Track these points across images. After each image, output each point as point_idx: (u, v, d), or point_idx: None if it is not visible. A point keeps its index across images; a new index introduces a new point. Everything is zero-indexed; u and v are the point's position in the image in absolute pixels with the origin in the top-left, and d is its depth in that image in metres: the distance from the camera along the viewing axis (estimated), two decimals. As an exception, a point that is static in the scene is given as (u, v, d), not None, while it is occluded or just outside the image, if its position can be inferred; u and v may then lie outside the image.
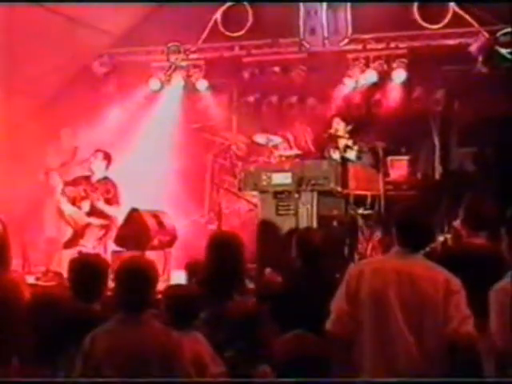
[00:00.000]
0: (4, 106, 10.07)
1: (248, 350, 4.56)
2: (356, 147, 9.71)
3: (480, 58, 9.72)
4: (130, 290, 4.35)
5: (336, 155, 9.60)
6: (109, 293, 5.08)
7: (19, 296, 5.15)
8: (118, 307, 4.41)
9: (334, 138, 9.76)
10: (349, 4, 10.56)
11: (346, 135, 9.78)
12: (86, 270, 5.08)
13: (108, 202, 9.21)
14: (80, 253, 8.13)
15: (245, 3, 11.04)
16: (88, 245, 9.04)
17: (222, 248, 5.63)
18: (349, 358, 4.24)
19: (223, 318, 5.06)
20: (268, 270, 7.74)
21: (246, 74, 11.06)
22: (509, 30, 9.69)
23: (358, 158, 9.67)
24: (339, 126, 9.86)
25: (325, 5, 10.67)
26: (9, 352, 4.73)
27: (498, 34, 9.75)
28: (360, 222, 8.94)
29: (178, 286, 5.66)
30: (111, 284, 4.85)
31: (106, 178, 9.38)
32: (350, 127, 9.84)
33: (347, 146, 9.65)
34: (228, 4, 11.12)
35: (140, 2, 10.96)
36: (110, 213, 9.22)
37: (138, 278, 4.36)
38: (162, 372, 4.21)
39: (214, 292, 5.31)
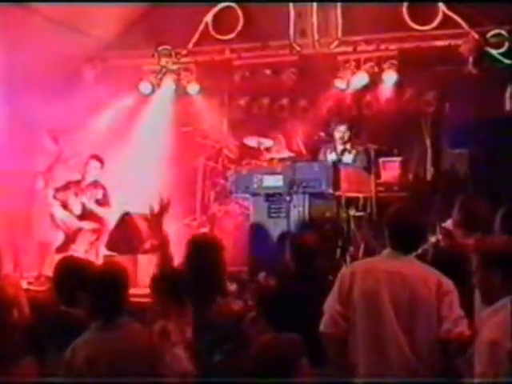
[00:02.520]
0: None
1: (235, 352, 4.55)
2: (354, 151, 9.71)
3: (470, 59, 9.73)
4: (101, 297, 4.37)
5: (332, 157, 9.63)
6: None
7: (12, 300, 5.14)
8: (95, 315, 4.41)
9: (333, 142, 9.79)
10: (339, 5, 10.55)
11: (346, 139, 9.79)
12: (69, 274, 5.05)
13: (98, 203, 9.21)
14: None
15: (234, 5, 11.02)
16: (80, 249, 9.02)
17: (200, 252, 5.61)
18: (344, 359, 4.25)
19: (209, 322, 5.06)
20: (262, 274, 7.72)
21: (236, 77, 11.03)
22: (499, 31, 9.72)
23: (354, 161, 9.68)
24: (343, 134, 9.82)
25: (315, 6, 10.67)
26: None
27: (488, 34, 9.77)
28: (352, 223, 8.94)
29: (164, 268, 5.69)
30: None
31: (96, 182, 9.39)
32: (349, 132, 9.81)
33: (345, 149, 9.69)
34: (219, 7, 11.12)
35: (131, 2, 10.93)
36: (101, 214, 9.22)
37: (108, 284, 4.38)
38: (144, 374, 4.20)
39: (197, 296, 5.24)
